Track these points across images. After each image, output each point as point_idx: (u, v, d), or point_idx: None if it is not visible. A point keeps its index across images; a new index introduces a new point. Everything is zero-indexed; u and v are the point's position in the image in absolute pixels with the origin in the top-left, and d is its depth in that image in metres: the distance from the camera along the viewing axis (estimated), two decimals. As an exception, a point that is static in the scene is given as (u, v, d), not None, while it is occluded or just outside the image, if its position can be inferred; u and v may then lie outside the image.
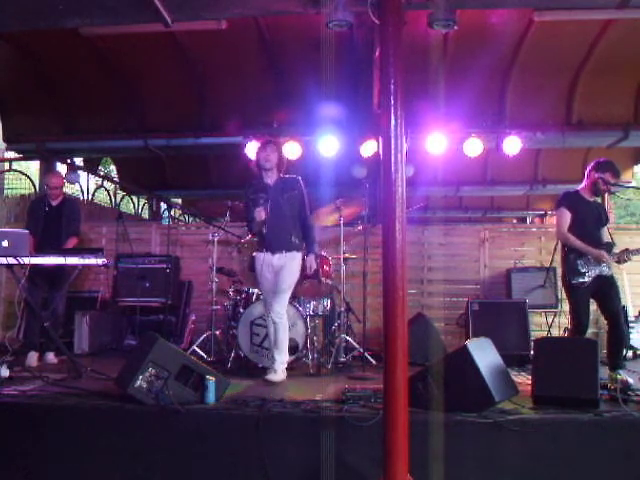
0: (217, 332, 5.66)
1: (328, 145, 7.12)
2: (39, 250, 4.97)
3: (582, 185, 4.68)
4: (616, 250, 4.55)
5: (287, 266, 4.57)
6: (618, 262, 4.55)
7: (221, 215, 5.89)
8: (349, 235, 6.09)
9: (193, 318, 6.51)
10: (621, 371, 4.31)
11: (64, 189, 6.08)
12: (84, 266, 4.82)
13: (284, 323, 4.56)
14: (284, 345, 4.58)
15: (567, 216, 4.58)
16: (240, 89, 7.90)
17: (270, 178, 4.72)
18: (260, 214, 4.50)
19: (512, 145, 7.12)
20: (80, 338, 6.07)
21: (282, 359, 4.56)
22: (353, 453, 3.27)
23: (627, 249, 4.53)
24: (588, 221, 4.58)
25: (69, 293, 5.68)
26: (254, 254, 4.81)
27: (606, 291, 4.49)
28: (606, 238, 4.64)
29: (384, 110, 2.65)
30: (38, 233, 5.28)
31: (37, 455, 3.46)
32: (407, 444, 2.55)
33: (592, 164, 4.66)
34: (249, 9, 4.22)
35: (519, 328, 5.74)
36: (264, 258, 4.63)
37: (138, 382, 3.49)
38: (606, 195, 4.69)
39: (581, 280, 4.47)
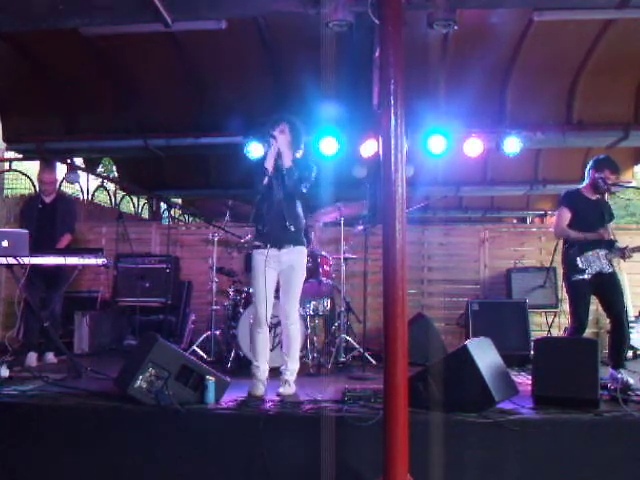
0: (217, 332, 5.65)
1: (328, 145, 7.12)
2: (34, 248, 4.95)
3: (584, 184, 4.70)
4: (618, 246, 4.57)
5: (296, 264, 4.10)
6: (622, 257, 4.55)
7: (221, 215, 5.88)
8: (349, 235, 6.09)
9: (193, 318, 6.50)
10: (622, 371, 4.32)
11: (64, 189, 6.07)
12: (84, 266, 4.82)
13: (299, 328, 4.25)
14: (298, 352, 4.26)
15: (567, 215, 4.60)
16: (240, 89, 7.91)
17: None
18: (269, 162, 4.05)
19: (512, 145, 7.12)
20: (80, 338, 6.07)
21: (294, 368, 4.16)
22: (353, 453, 3.27)
23: (627, 247, 4.54)
24: (590, 219, 4.59)
25: (69, 293, 5.68)
26: (252, 251, 4.25)
27: (608, 290, 4.50)
28: (608, 236, 4.64)
29: (384, 110, 2.65)
30: (32, 231, 5.26)
31: (37, 455, 3.46)
32: (407, 444, 2.55)
33: (591, 162, 4.69)
34: (249, 9, 4.23)
35: (519, 328, 5.73)
36: (268, 253, 4.04)
37: (138, 382, 3.49)
38: (606, 195, 4.70)
39: (581, 277, 4.47)
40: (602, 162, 4.63)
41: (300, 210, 4.20)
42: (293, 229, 4.10)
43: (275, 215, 4.09)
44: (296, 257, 4.11)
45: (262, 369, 4.10)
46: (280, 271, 4.13)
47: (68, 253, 4.77)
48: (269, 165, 4.06)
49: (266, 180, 4.04)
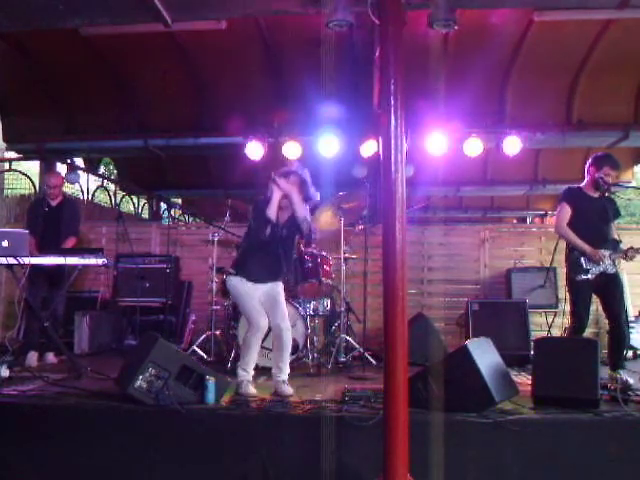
0: (217, 332, 5.65)
1: (328, 145, 7.12)
2: (39, 250, 4.97)
3: (584, 182, 4.67)
4: (623, 247, 4.55)
5: (277, 292, 4.25)
6: (625, 258, 4.52)
7: (221, 215, 5.88)
8: (349, 235, 6.08)
9: (193, 318, 6.50)
10: (621, 371, 4.31)
11: (64, 189, 6.08)
12: (84, 266, 4.82)
13: (291, 334, 4.32)
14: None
15: (567, 211, 4.57)
16: (240, 89, 7.91)
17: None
18: None
19: (512, 145, 7.12)
20: (80, 338, 6.07)
21: (288, 370, 4.25)
22: (353, 453, 3.27)
23: (632, 247, 4.52)
24: (591, 217, 4.55)
25: (69, 293, 5.68)
26: (227, 277, 4.31)
27: (609, 290, 4.48)
28: (613, 235, 4.60)
29: (384, 110, 2.64)
30: (38, 233, 5.28)
31: (37, 455, 3.46)
32: (407, 444, 2.55)
33: (590, 160, 4.65)
34: (249, 9, 4.23)
35: (519, 328, 5.73)
36: (251, 286, 4.17)
37: (138, 382, 3.49)
38: (606, 195, 4.68)
39: (584, 277, 4.45)
40: (602, 159, 4.60)
41: (294, 251, 4.37)
42: (285, 270, 4.27)
43: (268, 258, 4.17)
44: (276, 288, 4.24)
45: (251, 374, 4.15)
46: (260, 295, 4.20)
47: (68, 253, 4.78)
48: (272, 214, 4.06)
49: (268, 231, 4.06)
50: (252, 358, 4.14)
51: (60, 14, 3.91)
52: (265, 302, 4.22)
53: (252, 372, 4.16)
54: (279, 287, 4.27)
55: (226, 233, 5.90)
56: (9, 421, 3.54)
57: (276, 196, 4.06)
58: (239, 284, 4.15)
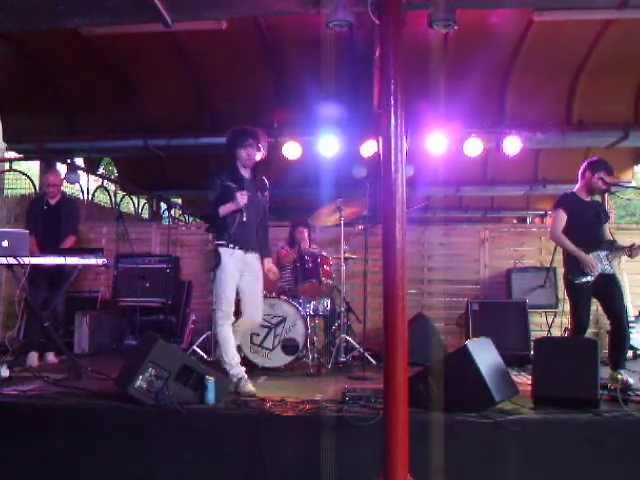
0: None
1: (328, 145, 7.12)
2: (40, 249, 4.97)
3: (578, 186, 4.73)
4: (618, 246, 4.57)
5: (259, 267, 4.33)
6: (630, 256, 4.54)
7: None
8: (349, 235, 6.08)
9: (193, 318, 6.51)
10: (622, 371, 4.32)
11: (64, 189, 6.08)
12: (84, 266, 4.82)
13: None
14: None
15: (562, 217, 4.62)
16: (240, 89, 7.91)
17: (247, 173, 4.43)
18: (243, 198, 4.14)
19: (512, 145, 7.13)
20: (80, 338, 6.07)
21: None
22: (353, 453, 3.27)
23: (634, 244, 4.54)
24: (587, 221, 4.60)
25: (69, 293, 5.68)
26: (218, 249, 4.20)
27: (609, 290, 4.49)
28: (607, 236, 4.65)
29: (384, 110, 2.64)
30: (37, 232, 5.28)
31: (37, 455, 3.46)
32: (407, 444, 2.55)
33: (585, 165, 4.72)
34: (249, 9, 4.23)
35: (519, 328, 5.73)
36: (235, 254, 4.18)
37: (138, 382, 3.49)
38: (606, 195, 4.70)
39: (584, 280, 4.46)
40: (598, 164, 4.66)
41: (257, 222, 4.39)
42: (254, 237, 4.29)
43: (245, 225, 4.20)
44: (257, 262, 4.31)
45: (242, 369, 4.14)
46: (243, 273, 4.22)
47: (68, 253, 4.78)
48: (223, 213, 4.20)
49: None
50: (231, 344, 4.12)
51: (60, 14, 3.91)
52: (247, 291, 4.23)
53: (243, 367, 4.15)
54: (259, 268, 4.31)
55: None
56: (9, 421, 3.54)
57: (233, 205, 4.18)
58: (227, 253, 4.15)
